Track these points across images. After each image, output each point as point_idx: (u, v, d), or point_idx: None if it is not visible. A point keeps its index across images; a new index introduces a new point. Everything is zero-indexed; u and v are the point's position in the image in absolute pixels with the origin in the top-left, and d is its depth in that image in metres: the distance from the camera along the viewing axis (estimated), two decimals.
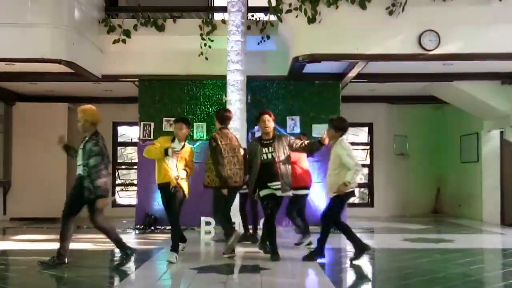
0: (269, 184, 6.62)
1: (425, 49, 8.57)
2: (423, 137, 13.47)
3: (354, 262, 6.38)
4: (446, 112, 12.92)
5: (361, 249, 6.40)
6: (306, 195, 8.02)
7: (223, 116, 7.13)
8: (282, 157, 6.68)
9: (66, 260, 6.12)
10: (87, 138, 6.06)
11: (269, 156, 6.66)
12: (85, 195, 5.93)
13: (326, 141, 6.52)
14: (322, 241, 6.56)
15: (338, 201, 6.50)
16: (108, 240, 6.22)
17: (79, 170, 6.04)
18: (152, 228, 9.92)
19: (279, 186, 6.63)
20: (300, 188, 7.61)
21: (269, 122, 6.78)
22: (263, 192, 6.69)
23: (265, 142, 6.79)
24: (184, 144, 6.73)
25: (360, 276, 5.82)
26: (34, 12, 8.42)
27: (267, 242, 6.89)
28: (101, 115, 6.29)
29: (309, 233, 7.77)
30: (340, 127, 6.55)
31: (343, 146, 6.42)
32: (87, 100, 12.40)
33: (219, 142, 6.79)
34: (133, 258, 6.25)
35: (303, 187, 7.75)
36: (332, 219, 6.56)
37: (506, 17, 8.56)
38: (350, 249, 7.88)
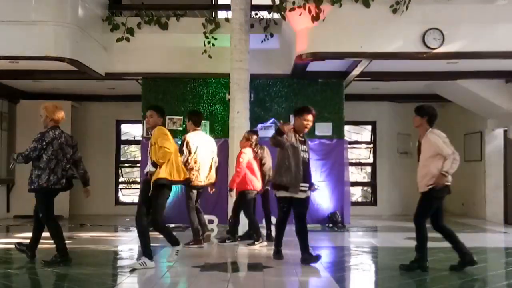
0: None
1: (429, 48, 8.55)
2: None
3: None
4: (450, 111, 12.89)
5: (467, 261, 5.81)
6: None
7: (200, 118, 7.28)
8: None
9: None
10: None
11: (305, 155, 6.33)
12: None
13: (286, 128, 6.13)
14: (421, 248, 5.85)
15: (429, 198, 5.88)
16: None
17: None
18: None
19: (306, 188, 6.30)
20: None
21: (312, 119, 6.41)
22: (282, 194, 6.25)
23: (300, 139, 6.37)
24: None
25: (363, 274, 5.80)
26: (38, 10, 8.42)
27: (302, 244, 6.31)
28: (63, 113, 6.44)
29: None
30: (431, 114, 6.03)
31: (437, 133, 5.92)
32: (90, 98, 12.49)
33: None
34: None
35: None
36: (425, 219, 5.87)
37: (510, 15, 8.54)
38: (353, 247, 7.91)
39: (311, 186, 6.40)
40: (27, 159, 6.01)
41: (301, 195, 6.18)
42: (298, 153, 6.15)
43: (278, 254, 6.52)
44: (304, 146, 6.33)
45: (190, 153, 7.41)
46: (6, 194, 11.66)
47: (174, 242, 6.12)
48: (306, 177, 6.24)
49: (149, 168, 5.99)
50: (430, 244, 5.79)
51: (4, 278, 5.55)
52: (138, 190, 6.16)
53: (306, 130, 6.42)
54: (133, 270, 5.75)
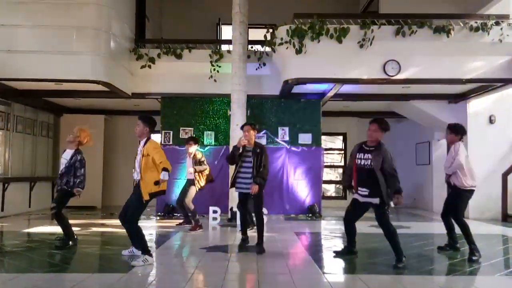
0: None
1: (388, 75, 8.59)
2: (386, 144, 13.36)
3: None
4: (405, 125, 12.93)
5: (452, 247, 5.84)
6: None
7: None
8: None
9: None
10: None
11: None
12: None
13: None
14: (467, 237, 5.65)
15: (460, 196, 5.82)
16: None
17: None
18: (170, 215, 9.88)
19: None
20: None
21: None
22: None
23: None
24: (146, 142, 5.27)
25: (335, 255, 5.76)
26: (78, 43, 8.40)
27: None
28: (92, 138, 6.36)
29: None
30: (459, 131, 5.93)
31: (460, 148, 5.84)
32: (119, 112, 12.44)
33: None
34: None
35: None
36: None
37: (452, 50, 8.60)
38: (327, 233, 7.88)
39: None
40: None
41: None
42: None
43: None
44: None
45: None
46: (51, 190, 11.57)
47: (146, 250, 5.15)
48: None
49: (163, 176, 5.05)
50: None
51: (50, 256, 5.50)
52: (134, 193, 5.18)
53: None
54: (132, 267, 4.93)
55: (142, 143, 5.27)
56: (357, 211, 5.55)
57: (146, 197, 5.06)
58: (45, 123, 11.50)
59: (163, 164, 5.09)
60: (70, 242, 6.03)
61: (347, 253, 5.66)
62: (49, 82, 8.76)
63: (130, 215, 5.15)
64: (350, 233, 5.71)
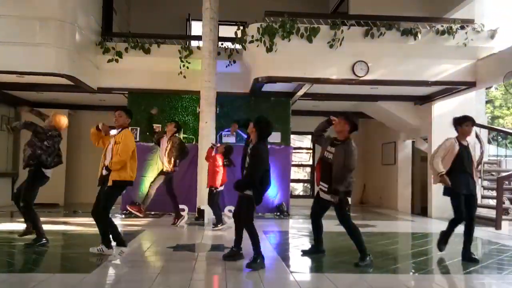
0: None
1: (357, 76, 8.71)
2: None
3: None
4: (372, 125, 13.15)
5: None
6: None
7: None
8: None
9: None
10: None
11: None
12: None
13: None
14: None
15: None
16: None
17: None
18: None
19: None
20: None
21: None
22: None
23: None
24: (121, 130, 5.37)
25: (303, 254, 5.78)
26: (42, 34, 8.12)
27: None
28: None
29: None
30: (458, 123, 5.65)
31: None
32: (84, 107, 12.12)
33: None
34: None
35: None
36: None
37: (419, 52, 8.80)
38: (295, 232, 7.92)
39: None
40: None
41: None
42: None
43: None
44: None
45: None
46: (11, 185, 11.16)
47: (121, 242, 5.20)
48: None
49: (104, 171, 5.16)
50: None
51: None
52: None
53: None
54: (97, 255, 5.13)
55: (116, 132, 5.35)
56: (320, 206, 5.51)
57: (109, 183, 5.05)
58: (5, 117, 11.06)
59: (117, 161, 5.06)
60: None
61: (315, 252, 5.67)
62: (10, 75, 8.43)
63: (102, 206, 5.10)
64: (316, 230, 5.68)
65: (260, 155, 4.97)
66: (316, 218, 5.63)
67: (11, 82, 9.15)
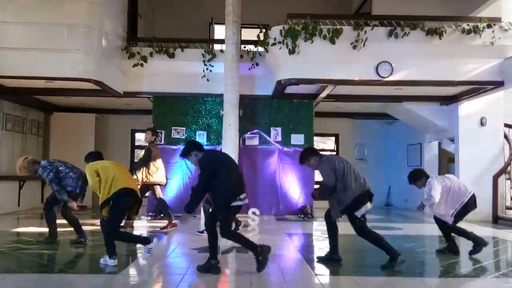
0: None
1: (381, 77, 8.62)
2: (378, 146, 13.51)
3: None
4: (397, 126, 12.99)
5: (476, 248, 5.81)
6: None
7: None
8: None
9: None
10: None
11: None
12: None
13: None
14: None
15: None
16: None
17: None
18: (162, 215, 9.79)
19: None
20: None
21: None
22: None
23: None
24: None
25: (317, 261, 5.68)
26: (70, 41, 8.33)
27: None
28: None
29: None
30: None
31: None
32: (111, 111, 12.35)
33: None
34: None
35: None
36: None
37: (444, 52, 8.66)
38: (319, 234, 7.88)
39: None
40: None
41: None
42: None
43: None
44: None
45: None
46: (40, 189, 11.43)
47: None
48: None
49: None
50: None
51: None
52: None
53: None
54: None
55: None
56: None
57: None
58: (35, 121, 11.37)
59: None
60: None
61: (329, 260, 5.34)
62: (39, 80, 8.68)
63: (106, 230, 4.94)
64: (331, 234, 5.41)
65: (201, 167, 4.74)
66: (329, 219, 5.37)
67: (40, 87, 9.40)
